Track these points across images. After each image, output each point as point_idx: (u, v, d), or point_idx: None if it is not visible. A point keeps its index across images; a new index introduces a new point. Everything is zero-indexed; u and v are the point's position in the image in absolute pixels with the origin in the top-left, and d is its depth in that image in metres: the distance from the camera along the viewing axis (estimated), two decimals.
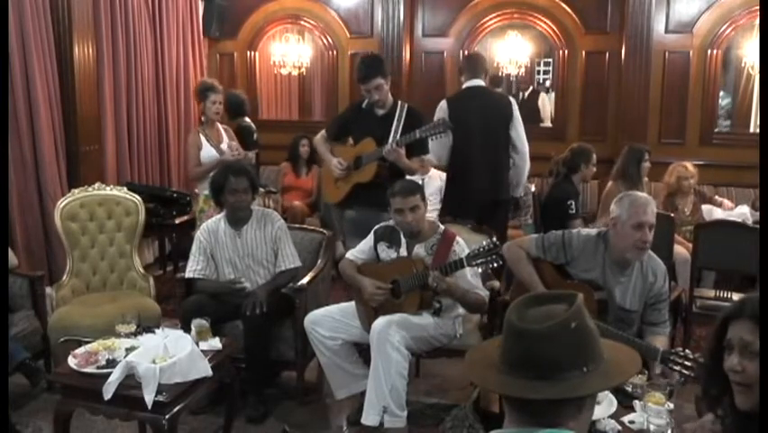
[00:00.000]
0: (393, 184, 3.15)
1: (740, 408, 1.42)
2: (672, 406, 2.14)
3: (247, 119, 5.56)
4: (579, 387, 1.19)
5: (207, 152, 4.50)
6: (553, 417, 1.18)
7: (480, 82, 4.24)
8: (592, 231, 2.83)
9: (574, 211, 4.36)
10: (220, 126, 4.69)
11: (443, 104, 4.17)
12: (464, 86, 4.26)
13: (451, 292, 2.95)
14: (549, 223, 4.49)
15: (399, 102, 3.78)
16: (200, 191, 4.54)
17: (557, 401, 1.18)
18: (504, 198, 4.25)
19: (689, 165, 4.85)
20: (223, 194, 3.42)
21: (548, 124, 6.84)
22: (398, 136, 3.61)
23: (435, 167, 4.78)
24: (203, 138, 4.52)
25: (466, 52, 6.29)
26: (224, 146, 4.59)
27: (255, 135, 5.23)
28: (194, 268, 3.44)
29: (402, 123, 3.66)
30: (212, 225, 3.54)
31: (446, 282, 2.89)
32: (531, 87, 7.12)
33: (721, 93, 6.31)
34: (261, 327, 3.23)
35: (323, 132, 3.97)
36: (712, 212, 4.76)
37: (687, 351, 2.38)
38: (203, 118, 4.63)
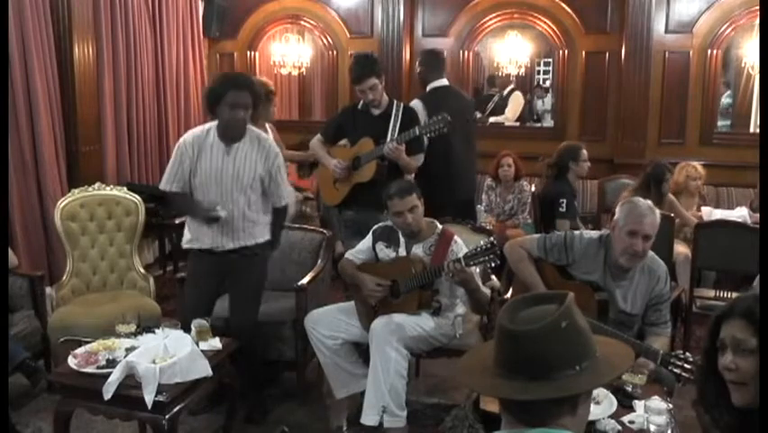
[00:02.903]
0: (389, 186, 3.13)
1: (735, 404, 1.44)
2: (671, 406, 2.14)
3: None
4: (572, 386, 1.19)
5: None
6: (549, 416, 1.19)
7: (446, 81, 4.28)
8: (594, 234, 2.83)
9: (565, 210, 4.33)
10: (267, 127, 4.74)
11: (418, 104, 4.07)
12: (434, 84, 4.21)
13: (468, 283, 2.93)
14: (546, 222, 4.49)
15: (395, 101, 3.78)
16: None
17: (552, 401, 1.18)
18: (473, 196, 4.62)
19: (698, 166, 4.88)
20: (219, 106, 3.00)
21: (512, 121, 7.04)
22: (396, 135, 3.60)
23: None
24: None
25: (466, 52, 6.30)
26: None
27: None
28: (171, 180, 3.14)
29: (399, 121, 3.66)
30: (198, 133, 3.13)
31: (466, 272, 2.86)
32: (512, 86, 7.18)
33: (728, 92, 6.33)
34: (252, 328, 3.21)
35: (318, 135, 3.97)
36: (712, 213, 4.76)
37: (687, 353, 2.38)
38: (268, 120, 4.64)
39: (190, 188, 3.16)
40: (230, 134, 3.08)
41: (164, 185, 3.18)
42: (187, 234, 3.26)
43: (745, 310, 1.41)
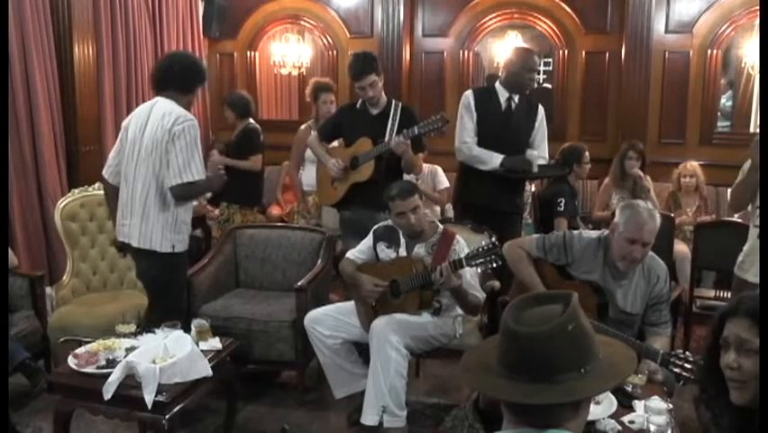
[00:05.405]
0: (390, 186, 3.12)
1: (735, 403, 1.43)
2: (671, 406, 2.14)
3: (252, 120, 5.54)
4: (576, 390, 1.18)
5: None
6: (550, 418, 1.18)
7: None
8: (594, 233, 2.83)
9: (562, 209, 4.34)
10: None
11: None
12: None
13: (457, 288, 2.92)
14: (546, 222, 4.50)
15: (393, 101, 3.77)
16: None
17: (554, 404, 1.18)
18: None
19: (691, 163, 4.89)
20: (200, 86, 3.27)
21: None
22: (395, 134, 3.59)
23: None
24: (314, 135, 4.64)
25: (466, 52, 6.29)
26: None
27: (262, 137, 5.19)
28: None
29: (398, 121, 3.64)
30: (141, 113, 3.12)
31: (457, 275, 2.84)
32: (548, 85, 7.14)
33: (729, 93, 6.33)
34: None
35: (315, 133, 3.97)
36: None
37: (687, 353, 2.38)
38: (318, 117, 4.73)
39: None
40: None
41: (202, 173, 3.03)
42: (166, 236, 3.08)
43: (751, 310, 1.39)
